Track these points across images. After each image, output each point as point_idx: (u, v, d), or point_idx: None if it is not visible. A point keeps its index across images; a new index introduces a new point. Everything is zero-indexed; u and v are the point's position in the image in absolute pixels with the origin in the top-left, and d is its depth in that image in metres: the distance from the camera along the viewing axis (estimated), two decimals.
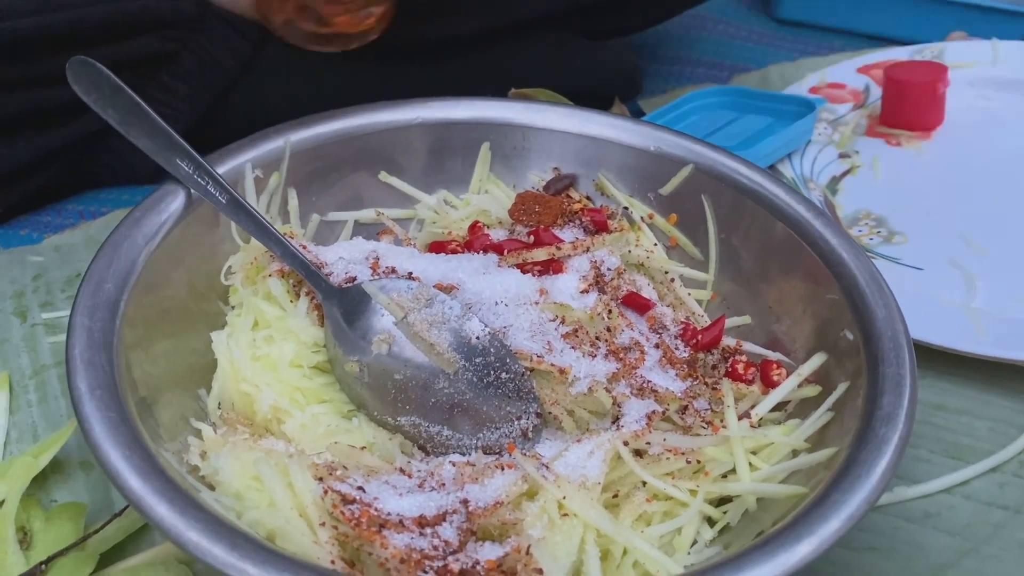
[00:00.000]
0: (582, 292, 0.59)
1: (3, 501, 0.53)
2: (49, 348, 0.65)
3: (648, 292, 0.63)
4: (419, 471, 0.50)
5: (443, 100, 0.69)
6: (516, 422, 0.53)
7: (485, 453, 0.52)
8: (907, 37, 1.05)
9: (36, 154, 0.79)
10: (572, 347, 0.55)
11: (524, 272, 0.60)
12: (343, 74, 0.88)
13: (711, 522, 0.51)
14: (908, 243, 0.76)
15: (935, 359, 0.63)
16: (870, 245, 0.76)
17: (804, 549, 0.42)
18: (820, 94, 0.92)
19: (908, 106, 0.88)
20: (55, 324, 0.67)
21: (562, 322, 0.56)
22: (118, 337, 0.50)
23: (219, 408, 0.55)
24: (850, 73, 0.95)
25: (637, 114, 0.93)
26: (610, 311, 0.58)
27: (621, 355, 0.56)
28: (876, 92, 0.92)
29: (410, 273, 0.58)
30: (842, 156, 0.86)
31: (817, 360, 0.55)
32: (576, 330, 0.56)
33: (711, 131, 0.86)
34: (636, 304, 0.60)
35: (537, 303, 0.57)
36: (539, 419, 0.53)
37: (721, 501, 0.52)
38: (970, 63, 0.94)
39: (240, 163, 0.62)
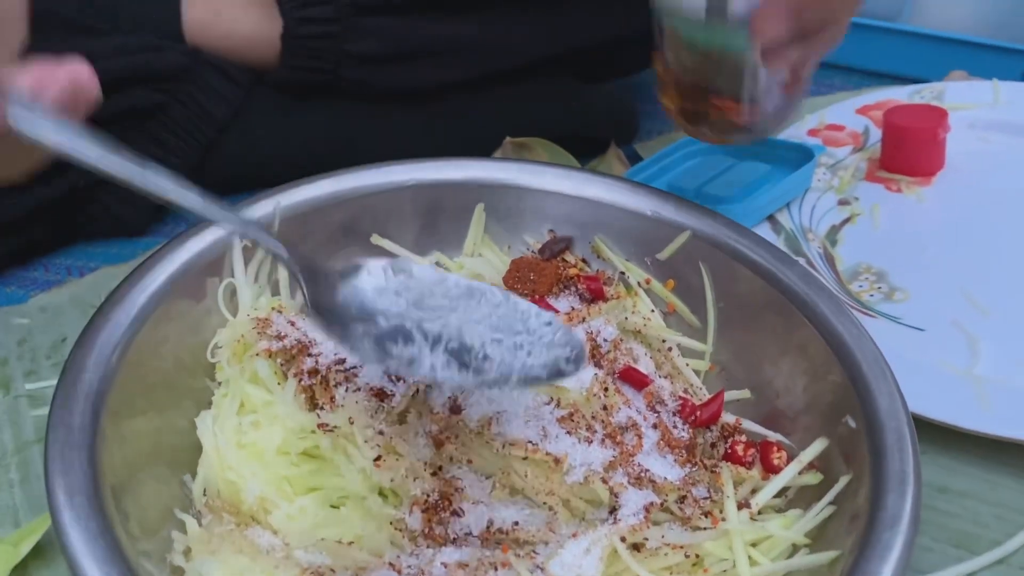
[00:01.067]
0: None
1: None
2: (32, 422, 0.63)
3: (645, 362, 0.62)
4: (409, 567, 0.49)
5: (436, 161, 0.68)
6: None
7: (484, 540, 0.51)
8: (906, 73, 1.04)
9: (23, 209, 0.78)
10: (568, 432, 0.53)
11: None
12: (335, 121, 0.87)
13: None
14: (909, 300, 0.74)
15: (938, 433, 0.61)
16: (871, 302, 0.74)
17: None
18: (819, 136, 0.91)
19: (908, 152, 0.86)
20: (39, 396, 0.65)
21: (557, 405, 0.55)
22: (99, 432, 0.49)
23: (204, 494, 0.54)
24: (849, 114, 0.94)
25: (633, 158, 0.91)
26: (606, 389, 0.56)
27: (618, 438, 0.54)
28: (876, 134, 0.90)
29: None
30: (841, 203, 0.85)
31: (818, 446, 0.54)
32: (572, 414, 0.54)
33: (708, 178, 0.84)
34: (633, 380, 0.59)
35: None
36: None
37: None
38: (971, 104, 0.92)
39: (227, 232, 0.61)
